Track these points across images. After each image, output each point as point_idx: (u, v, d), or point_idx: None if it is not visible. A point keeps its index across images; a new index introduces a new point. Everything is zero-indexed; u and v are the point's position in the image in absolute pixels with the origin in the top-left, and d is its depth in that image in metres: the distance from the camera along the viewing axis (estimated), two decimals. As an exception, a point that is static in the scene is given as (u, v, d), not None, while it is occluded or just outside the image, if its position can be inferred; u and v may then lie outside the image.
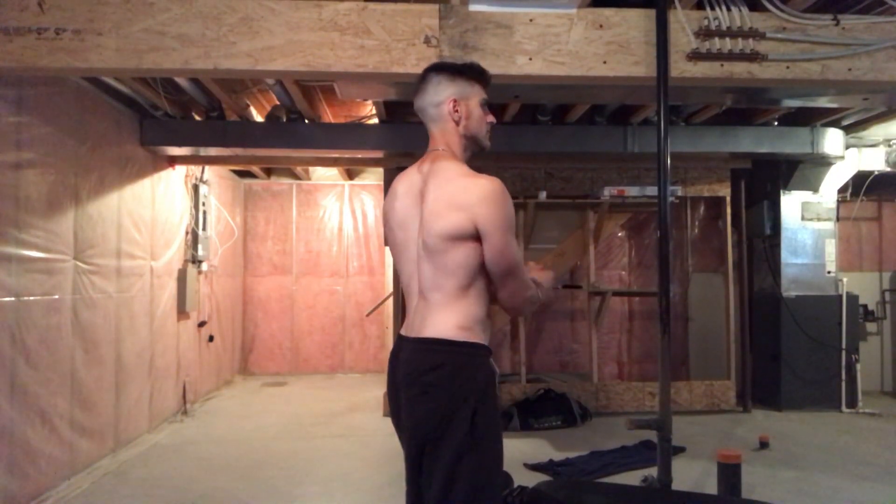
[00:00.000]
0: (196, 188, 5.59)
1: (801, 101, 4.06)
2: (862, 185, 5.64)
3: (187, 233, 5.44)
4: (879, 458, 4.13)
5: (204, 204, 5.68)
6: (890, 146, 5.38)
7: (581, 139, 4.84)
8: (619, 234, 5.97)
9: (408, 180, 1.72)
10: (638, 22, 2.95)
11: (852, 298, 5.56)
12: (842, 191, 5.71)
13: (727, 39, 2.93)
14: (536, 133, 4.78)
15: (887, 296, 6.39)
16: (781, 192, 5.53)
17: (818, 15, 2.98)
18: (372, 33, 2.84)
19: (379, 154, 5.05)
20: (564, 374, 5.72)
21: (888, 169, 5.41)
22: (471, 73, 1.73)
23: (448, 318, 1.58)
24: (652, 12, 2.93)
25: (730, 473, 2.95)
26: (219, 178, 6.35)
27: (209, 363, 6.11)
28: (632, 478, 3.64)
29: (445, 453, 1.53)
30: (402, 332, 1.73)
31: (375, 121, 4.92)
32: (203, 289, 5.84)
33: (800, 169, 5.39)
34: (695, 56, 2.95)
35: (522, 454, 4.14)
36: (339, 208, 7.57)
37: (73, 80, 3.60)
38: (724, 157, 5.31)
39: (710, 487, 3.28)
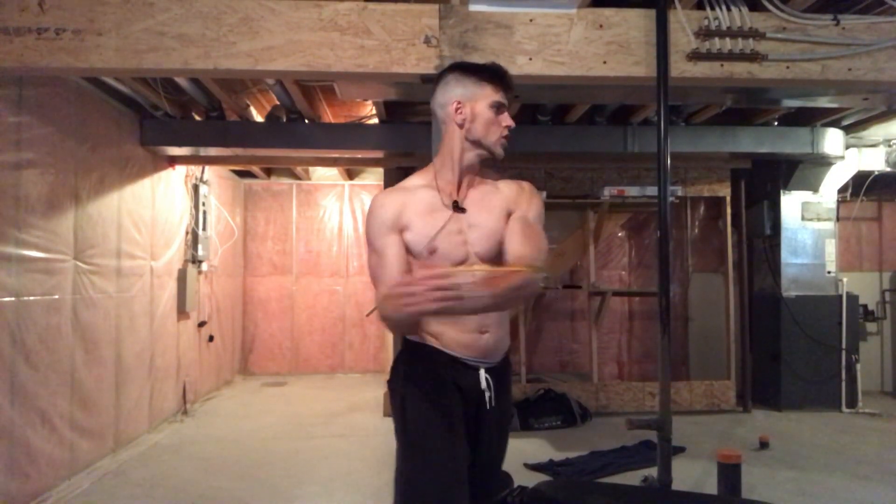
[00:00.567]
0: (196, 188, 5.59)
1: (801, 101, 4.06)
2: (862, 185, 5.64)
3: (187, 233, 5.44)
4: (879, 458, 4.13)
5: (204, 204, 5.68)
6: (890, 146, 5.38)
7: (581, 139, 4.84)
8: (619, 234, 5.97)
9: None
10: (638, 22, 2.95)
11: (852, 298, 5.56)
12: (842, 191, 5.71)
13: (727, 39, 2.93)
14: (536, 133, 4.78)
15: (887, 296, 6.39)
16: (781, 192, 5.53)
17: (818, 15, 2.98)
18: (372, 33, 2.84)
19: (379, 154, 5.04)
20: (564, 374, 5.72)
21: (888, 169, 5.41)
22: (481, 73, 1.67)
23: None
24: (652, 12, 2.94)
25: (730, 473, 2.95)
26: (219, 178, 6.35)
27: (209, 363, 6.11)
28: (632, 478, 3.64)
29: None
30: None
31: (375, 121, 4.91)
32: (203, 289, 5.84)
33: (800, 169, 5.39)
34: (695, 56, 2.95)
35: (522, 454, 4.14)
36: (339, 208, 7.57)
37: (73, 80, 3.60)
38: (724, 157, 5.31)
39: (710, 487, 3.28)
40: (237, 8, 2.79)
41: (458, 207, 1.67)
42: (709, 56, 2.94)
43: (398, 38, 2.85)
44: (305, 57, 2.82)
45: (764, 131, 4.97)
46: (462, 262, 1.63)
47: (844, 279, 5.56)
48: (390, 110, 4.65)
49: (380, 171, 6.13)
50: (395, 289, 1.39)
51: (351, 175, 7.34)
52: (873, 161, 5.41)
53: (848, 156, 5.29)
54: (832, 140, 5.01)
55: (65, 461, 3.50)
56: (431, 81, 1.78)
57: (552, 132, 4.81)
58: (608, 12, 2.95)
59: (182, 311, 5.27)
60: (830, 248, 5.57)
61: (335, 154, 5.07)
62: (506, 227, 1.68)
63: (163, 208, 4.96)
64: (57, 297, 3.44)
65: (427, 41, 2.86)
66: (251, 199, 7.46)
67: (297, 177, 7.33)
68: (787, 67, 2.97)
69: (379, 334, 7.37)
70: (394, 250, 1.60)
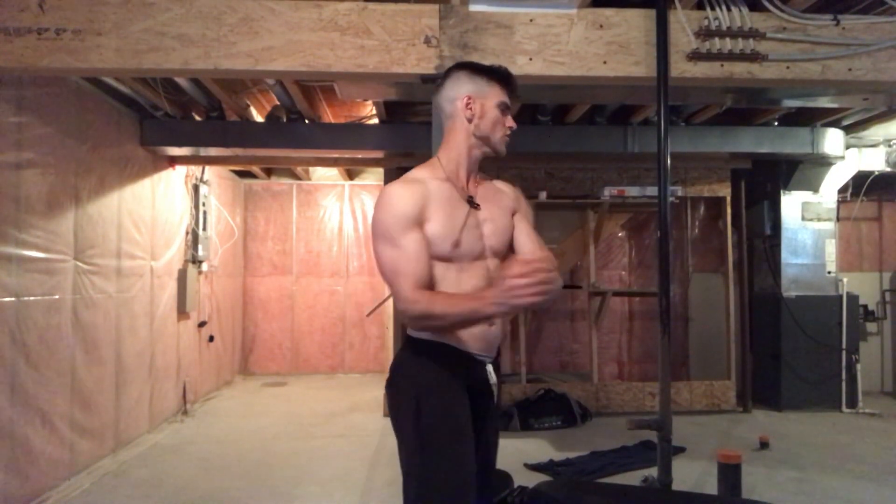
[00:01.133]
0: (196, 188, 5.59)
1: (801, 102, 4.06)
2: (862, 186, 5.65)
3: (187, 233, 5.44)
4: (879, 458, 4.13)
5: (204, 204, 5.68)
6: (890, 146, 5.38)
7: (581, 139, 4.84)
8: (619, 234, 5.98)
9: None
10: (638, 22, 2.95)
11: (852, 298, 5.56)
12: (842, 191, 5.71)
13: (727, 39, 2.93)
14: (536, 133, 4.78)
15: (887, 296, 6.39)
16: (781, 192, 5.53)
17: (818, 15, 2.98)
18: (372, 33, 2.84)
19: (379, 154, 5.04)
20: (564, 374, 5.73)
21: (888, 169, 5.41)
22: (493, 74, 1.72)
23: None
24: (652, 12, 2.93)
25: (730, 473, 2.95)
26: (219, 178, 6.36)
27: (209, 363, 6.11)
28: (632, 478, 3.64)
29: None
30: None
31: (375, 121, 4.92)
32: (203, 289, 5.84)
33: (800, 169, 5.39)
34: (695, 56, 2.95)
35: (522, 454, 4.14)
36: (339, 208, 7.57)
37: (73, 80, 3.60)
38: (724, 157, 5.31)
39: (710, 487, 3.28)
40: (237, 8, 2.79)
41: (473, 203, 1.70)
42: (709, 56, 2.94)
43: (398, 38, 2.85)
44: (305, 57, 2.82)
45: (764, 131, 4.97)
46: (480, 257, 1.67)
47: (844, 279, 5.56)
48: (390, 110, 4.65)
49: (380, 171, 6.13)
50: (508, 282, 1.36)
51: (351, 175, 7.34)
52: (873, 161, 5.41)
53: (848, 156, 5.29)
54: (832, 140, 5.01)
55: (65, 461, 3.50)
56: (432, 81, 1.79)
57: (552, 132, 4.81)
58: (608, 12, 2.95)
59: (182, 312, 5.27)
60: (830, 248, 5.57)
61: (335, 154, 5.07)
62: (512, 225, 1.76)
63: (163, 208, 4.96)
64: (57, 297, 3.44)
65: (427, 41, 2.86)
66: (251, 200, 7.46)
67: (297, 177, 7.33)
68: (788, 67, 2.96)
69: (379, 334, 7.37)
70: (417, 245, 1.56)
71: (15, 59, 2.71)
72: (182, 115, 4.67)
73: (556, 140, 4.81)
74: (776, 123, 5.01)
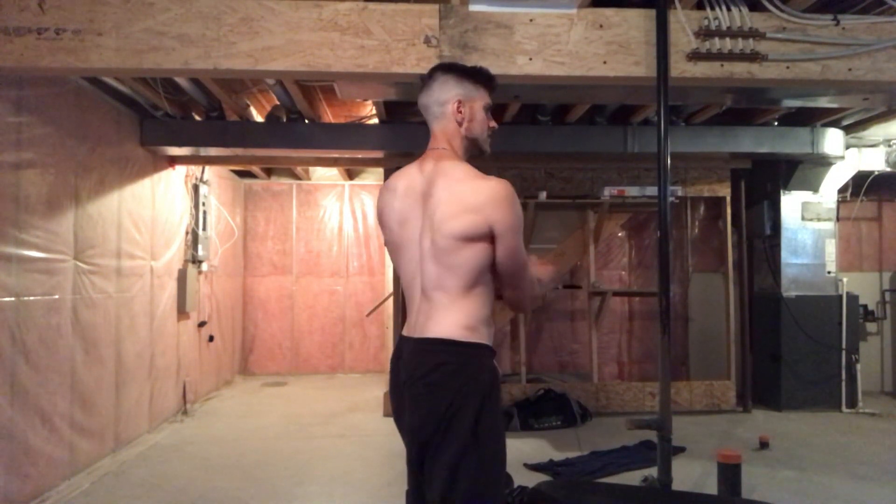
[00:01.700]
0: (196, 188, 5.59)
1: (801, 101, 4.06)
2: (862, 185, 5.65)
3: (187, 233, 5.44)
4: (879, 458, 4.13)
5: (204, 204, 5.68)
6: (890, 146, 5.39)
7: (581, 139, 4.84)
8: (619, 234, 5.97)
9: (408, 179, 1.71)
10: (638, 22, 2.95)
11: (852, 298, 5.56)
12: (842, 191, 5.71)
13: (727, 39, 2.94)
14: (536, 133, 4.78)
15: (887, 296, 6.39)
16: (781, 192, 5.53)
17: (818, 15, 2.98)
18: (372, 33, 2.84)
19: (379, 154, 5.05)
20: (564, 374, 5.72)
21: (888, 169, 5.42)
22: (478, 76, 1.74)
23: (453, 317, 1.59)
24: (652, 12, 2.94)
25: (730, 473, 2.95)
26: (219, 178, 6.36)
27: (209, 363, 6.11)
28: (632, 478, 3.64)
29: (447, 452, 1.53)
30: (404, 332, 1.72)
31: (375, 121, 4.92)
32: (203, 289, 5.84)
33: (800, 169, 5.39)
34: (695, 56, 2.95)
35: (522, 454, 4.14)
36: (339, 208, 7.58)
37: (73, 80, 3.60)
38: (724, 157, 5.31)
39: (710, 487, 3.29)
40: (237, 8, 2.79)
41: None
42: (709, 56, 2.95)
43: (398, 38, 2.85)
44: (305, 57, 2.82)
45: (764, 131, 4.97)
46: None
47: (844, 279, 5.56)
48: (390, 110, 4.65)
49: (380, 171, 6.14)
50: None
51: (351, 175, 7.34)
52: (873, 161, 5.41)
53: (848, 156, 5.29)
54: (832, 140, 5.01)
55: (65, 461, 3.50)
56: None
57: (552, 132, 4.81)
58: (608, 12, 2.96)
59: (182, 312, 5.27)
60: (830, 248, 5.57)
61: (335, 154, 5.07)
62: None
63: (163, 208, 4.96)
64: (57, 297, 3.44)
65: (427, 41, 2.86)
66: (251, 199, 7.46)
67: (297, 177, 7.33)
68: (787, 67, 2.97)
69: (379, 334, 7.37)
70: None
71: (15, 59, 2.71)
72: (182, 115, 4.67)
73: (556, 140, 4.82)
74: (776, 123, 5.01)
